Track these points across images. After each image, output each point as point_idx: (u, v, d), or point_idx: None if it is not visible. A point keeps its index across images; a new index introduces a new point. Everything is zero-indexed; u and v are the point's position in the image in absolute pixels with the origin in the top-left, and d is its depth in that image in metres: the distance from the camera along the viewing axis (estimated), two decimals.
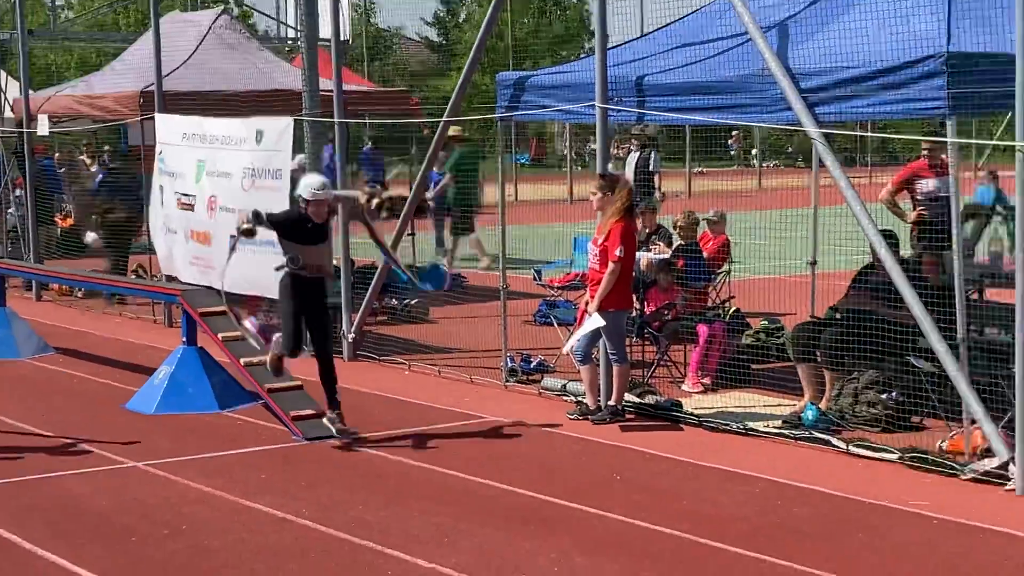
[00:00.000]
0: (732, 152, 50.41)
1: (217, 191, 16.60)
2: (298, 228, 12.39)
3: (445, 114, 15.67)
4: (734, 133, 46.58)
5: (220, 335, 13.67)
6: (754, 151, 47.63)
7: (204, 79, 21.38)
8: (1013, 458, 10.42)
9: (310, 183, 12.39)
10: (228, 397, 13.90)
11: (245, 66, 22.65)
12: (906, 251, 13.53)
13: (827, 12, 12.88)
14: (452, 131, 19.20)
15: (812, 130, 12.02)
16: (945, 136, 11.52)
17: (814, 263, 16.21)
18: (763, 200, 28.94)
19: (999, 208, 17.17)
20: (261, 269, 14.01)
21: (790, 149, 48.76)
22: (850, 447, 11.56)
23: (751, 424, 12.53)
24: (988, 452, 10.76)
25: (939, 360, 11.07)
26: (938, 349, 11.00)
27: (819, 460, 11.49)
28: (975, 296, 13.63)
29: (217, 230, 16.40)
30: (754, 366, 14.51)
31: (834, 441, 11.76)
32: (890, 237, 12.37)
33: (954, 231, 11.37)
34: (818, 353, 12.79)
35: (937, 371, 11.42)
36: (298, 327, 12.34)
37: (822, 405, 12.54)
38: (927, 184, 14.71)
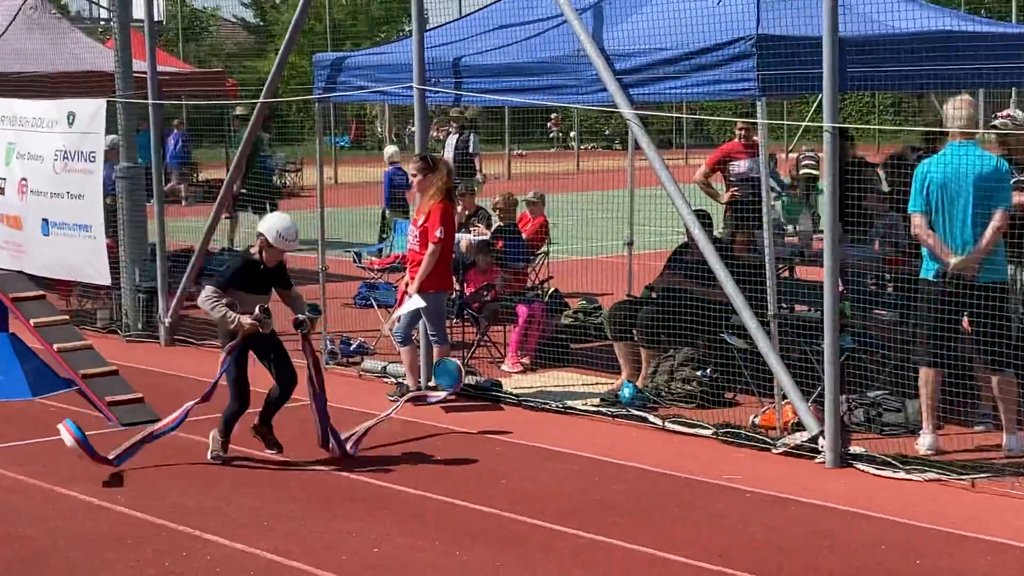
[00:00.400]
0: (551, 134, 50.82)
1: (28, 174, 16.32)
2: (249, 276, 10.84)
3: (261, 95, 15.57)
4: (553, 116, 46.96)
5: (32, 321, 13.37)
6: (572, 133, 48.00)
7: (14, 60, 20.94)
8: (823, 432, 10.69)
9: (278, 225, 10.77)
10: (41, 384, 13.58)
11: (57, 47, 22.24)
12: (720, 231, 13.78)
13: None
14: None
15: (626, 111, 12.18)
16: (764, 117, 11.76)
17: (631, 244, 16.47)
18: (581, 182, 29.27)
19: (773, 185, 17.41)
20: (75, 253, 13.79)
21: (607, 131, 49.30)
22: (666, 424, 11.77)
23: (570, 403, 12.67)
24: (799, 426, 11.04)
25: (751, 337, 11.32)
26: (750, 326, 11.26)
27: (636, 437, 11.68)
28: (786, 274, 13.96)
29: (28, 213, 16.13)
30: (573, 346, 14.72)
31: (651, 418, 11.95)
32: (704, 217, 12.59)
33: (764, 210, 11.61)
34: (634, 332, 12.99)
35: (749, 348, 11.68)
36: (246, 382, 11.03)
37: (639, 383, 12.73)
38: (740, 165, 14.96)
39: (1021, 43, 13.16)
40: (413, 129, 14.60)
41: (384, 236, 22.12)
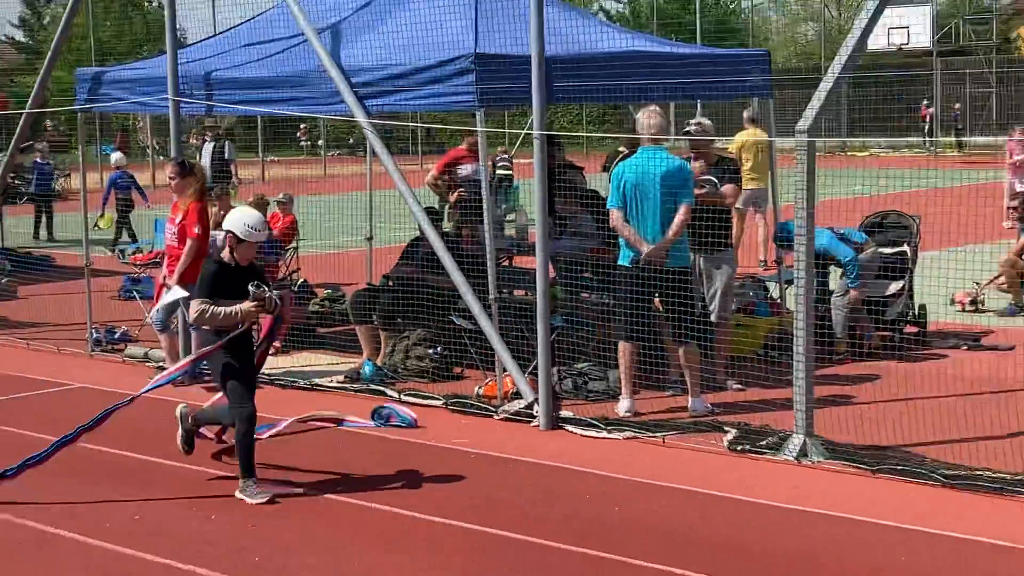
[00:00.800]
0: (301, 142, 50.51)
1: None
2: (224, 280, 9.26)
3: (27, 106, 15.29)
4: (302, 125, 46.68)
5: None
6: (320, 142, 47.81)
7: None
8: (537, 399, 10.97)
9: (245, 218, 9.28)
10: None
11: None
12: (448, 226, 13.99)
13: (374, 15, 13.23)
14: None
15: (362, 120, 12.31)
16: (482, 126, 11.98)
17: (370, 239, 16.63)
18: (328, 185, 29.22)
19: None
20: None
21: (351, 140, 49.24)
22: (402, 396, 11.89)
23: (317, 380, 12.73)
24: (517, 395, 11.29)
25: (475, 318, 11.57)
26: (474, 309, 11.48)
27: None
28: (506, 263, 14.25)
29: None
30: (320, 330, 14.75)
31: (388, 392, 12.07)
32: (434, 214, 12.81)
33: (485, 208, 11.85)
34: (374, 316, 13.11)
35: (474, 327, 11.88)
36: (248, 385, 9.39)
37: (378, 361, 12.86)
38: (465, 168, 15.18)
39: (702, 62, 13.75)
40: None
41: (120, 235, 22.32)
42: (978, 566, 7.72)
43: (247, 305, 9.07)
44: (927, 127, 47.46)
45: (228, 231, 9.23)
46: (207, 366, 10.19)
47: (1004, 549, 7.92)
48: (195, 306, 9.12)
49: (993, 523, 8.34)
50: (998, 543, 8.02)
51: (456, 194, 15.31)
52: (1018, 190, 17.09)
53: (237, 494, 9.07)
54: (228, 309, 9.07)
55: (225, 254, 9.38)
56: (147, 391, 9.84)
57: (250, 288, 9.03)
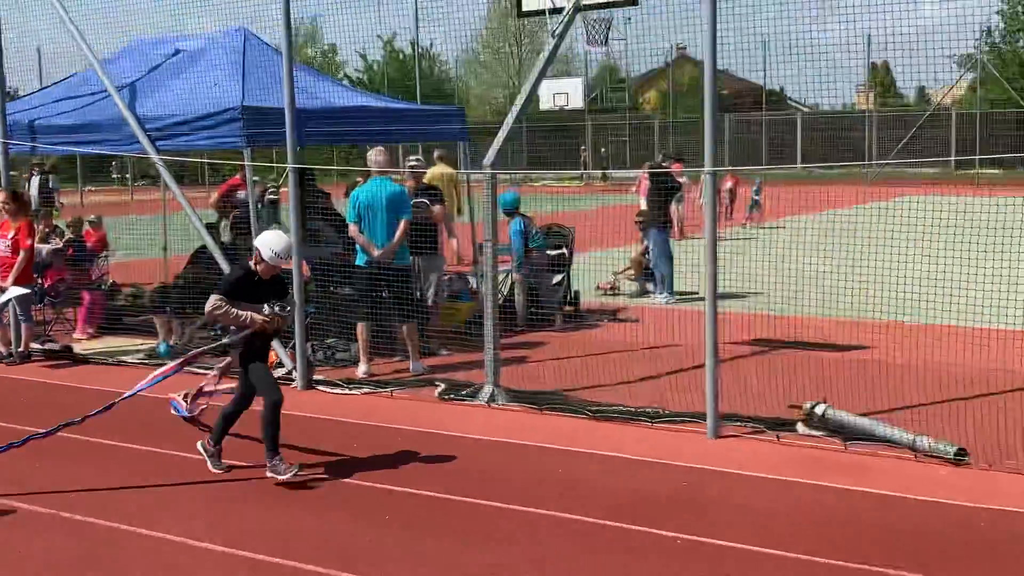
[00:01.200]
0: (113, 175, 48.25)
1: None
2: (246, 286, 7.88)
3: None
4: (113, 162, 44.64)
5: None
6: (128, 175, 45.79)
7: None
8: (295, 367, 10.82)
9: (273, 243, 7.83)
10: None
11: None
12: (226, 238, 13.64)
13: (163, 75, 12.86)
14: None
15: (155, 157, 11.92)
16: (251, 161, 11.73)
17: (165, 248, 16.14)
18: (135, 208, 28.17)
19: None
20: None
21: (152, 173, 47.33)
22: (193, 367, 11.50)
23: (123, 357, 12.24)
24: (281, 365, 11.09)
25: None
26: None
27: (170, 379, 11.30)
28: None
29: None
30: (126, 319, 14.15)
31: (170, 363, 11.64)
32: (212, 227, 12.50)
33: (252, 221, 11.62)
34: (168, 307, 12.69)
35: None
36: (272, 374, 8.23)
37: (171, 341, 12.45)
38: (240, 194, 14.86)
39: (418, 114, 13.86)
40: (12, 173, 13.67)
41: None
42: (616, 474, 7.99)
43: (259, 317, 7.73)
44: (583, 164, 48.84)
45: (256, 247, 7.87)
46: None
47: (636, 462, 8.21)
48: (214, 300, 7.72)
49: (626, 443, 8.64)
50: (631, 458, 8.31)
51: (233, 216, 15.00)
52: (642, 208, 17.74)
53: (268, 473, 7.83)
54: (240, 313, 7.70)
55: (252, 262, 7.97)
56: (146, 387, 8.30)
57: (267, 307, 7.78)
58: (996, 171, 42.12)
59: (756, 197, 26.41)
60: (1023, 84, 44.64)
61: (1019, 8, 45.93)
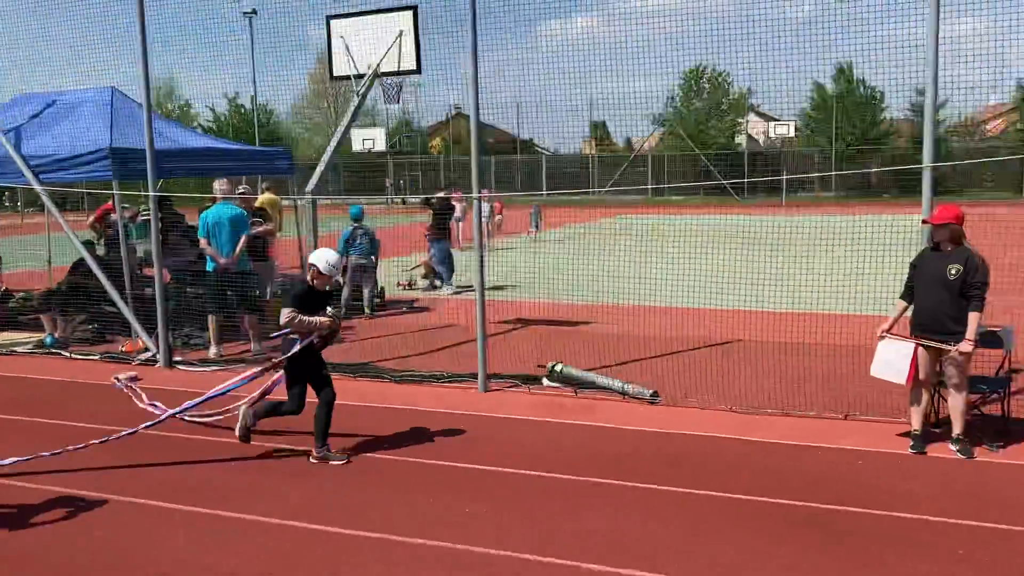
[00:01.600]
0: (6, 204, 44.09)
1: None
2: (309, 298, 7.06)
3: None
4: (6, 193, 40.88)
5: None
6: (19, 202, 42.03)
7: None
8: (158, 351, 10.28)
9: (328, 257, 7.07)
10: None
11: None
12: (101, 251, 12.76)
13: (46, 121, 11.91)
14: None
15: (38, 188, 11.01)
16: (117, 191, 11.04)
17: (50, 260, 14.94)
18: (24, 230, 25.91)
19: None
20: None
21: (39, 202, 43.57)
22: (73, 355, 10.74)
23: (15, 348, 11.22)
24: (147, 350, 10.51)
25: (117, 305, 10.65)
26: (116, 298, 10.64)
27: (59, 365, 10.46)
28: (142, 271, 13.19)
29: None
30: (20, 317, 12.99)
31: (64, 353, 10.85)
32: (90, 244, 11.69)
33: (122, 241, 10.94)
34: (52, 306, 11.75)
35: (118, 310, 10.95)
36: (305, 389, 7.15)
37: (57, 335, 11.52)
38: (111, 217, 13.95)
39: (252, 154, 13.36)
40: None
41: None
42: (411, 422, 7.95)
43: (325, 320, 7.02)
44: (389, 192, 48.39)
45: (313, 264, 7.06)
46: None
47: (446, 415, 8.13)
48: (288, 312, 6.93)
49: (436, 400, 8.56)
50: (423, 409, 8.30)
51: (108, 233, 14.09)
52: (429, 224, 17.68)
53: (312, 459, 6.99)
54: (312, 319, 6.99)
55: (309, 277, 7.12)
56: (233, 387, 7.55)
57: (329, 310, 7.09)
58: (680, 197, 44.98)
59: (537, 219, 26.11)
60: (697, 135, 47.76)
61: (691, 82, 49.15)
